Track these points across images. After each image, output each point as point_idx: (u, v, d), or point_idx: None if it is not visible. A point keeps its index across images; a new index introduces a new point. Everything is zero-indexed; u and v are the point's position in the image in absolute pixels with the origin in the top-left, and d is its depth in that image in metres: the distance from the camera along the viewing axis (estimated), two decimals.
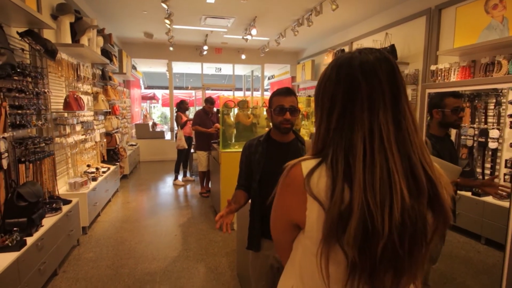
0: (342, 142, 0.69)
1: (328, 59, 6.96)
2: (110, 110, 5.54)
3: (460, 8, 4.03)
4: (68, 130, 3.71)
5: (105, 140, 5.32)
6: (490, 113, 3.84)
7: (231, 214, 1.57)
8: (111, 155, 5.54)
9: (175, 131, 6.17)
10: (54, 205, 2.90)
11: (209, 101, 5.41)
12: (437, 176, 0.69)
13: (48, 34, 3.47)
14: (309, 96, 8.07)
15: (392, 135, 0.67)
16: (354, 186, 0.64)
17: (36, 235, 2.41)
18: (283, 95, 1.66)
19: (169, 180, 6.49)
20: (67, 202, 3.17)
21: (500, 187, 1.95)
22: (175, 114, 6.29)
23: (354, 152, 0.66)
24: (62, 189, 3.64)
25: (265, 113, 4.20)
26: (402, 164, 0.66)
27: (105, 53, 5.26)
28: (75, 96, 3.82)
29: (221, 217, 1.52)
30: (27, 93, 2.82)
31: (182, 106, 6.03)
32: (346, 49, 6.53)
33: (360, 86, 0.69)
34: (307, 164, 0.72)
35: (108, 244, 3.45)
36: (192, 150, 6.47)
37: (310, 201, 0.69)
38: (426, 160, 0.69)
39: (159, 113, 16.68)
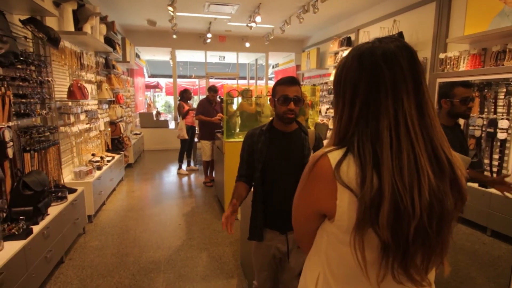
0: (368, 130, 0.70)
1: (333, 47, 6.84)
2: (114, 99, 5.52)
3: None
4: (72, 119, 3.71)
5: (109, 129, 5.33)
6: (500, 102, 3.76)
7: (235, 213, 1.56)
8: (116, 144, 5.56)
9: (178, 121, 6.15)
10: (59, 193, 2.92)
11: (213, 89, 5.36)
12: (453, 158, 0.74)
13: (50, 22, 3.44)
14: (314, 85, 7.98)
15: (416, 120, 0.69)
16: (383, 172, 0.67)
17: (42, 223, 2.43)
18: (288, 85, 1.62)
19: (173, 169, 6.52)
20: (72, 191, 3.19)
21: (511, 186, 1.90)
22: (178, 103, 6.25)
23: (381, 139, 0.69)
24: (67, 178, 3.66)
25: (268, 102, 4.15)
26: (425, 148, 0.69)
27: (108, 41, 5.21)
28: (79, 84, 3.80)
29: (226, 218, 1.53)
30: (31, 81, 2.80)
31: (185, 95, 5.98)
32: (352, 36, 6.41)
33: (384, 74, 0.70)
34: (333, 155, 0.73)
35: (113, 232, 3.49)
36: (196, 139, 6.46)
37: (340, 190, 0.71)
38: (444, 143, 0.72)
39: (163, 102, 16.65)
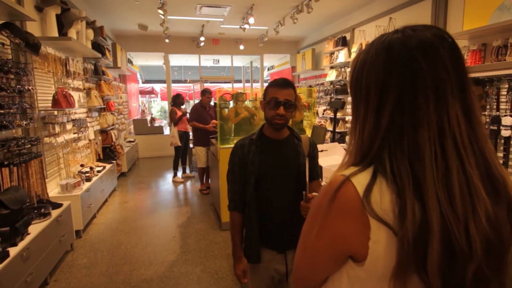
0: (403, 143, 0.54)
1: (329, 47, 6.70)
2: (104, 106, 5.35)
3: None
4: (57, 129, 3.53)
5: (100, 137, 5.14)
6: (503, 99, 3.62)
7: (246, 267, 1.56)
8: (107, 153, 5.37)
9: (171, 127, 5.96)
10: (42, 210, 2.73)
11: (207, 91, 5.20)
12: (506, 175, 0.58)
13: (32, 27, 3.27)
14: (310, 86, 7.83)
15: (465, 130, 0.54)
16: (428, 199, 0.51)
17: (21, 244, 2.24)
18: (279, 87, 1.45)
19: (169, 176, 6.33)
20: (57, 205, 3.00)
21: None
22: (170, 109, 6.08)
23: (421, 155, 0.53)
24: (53, 191, 3.47)
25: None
26: (477, 165, 0.54)
27: (97, 46, 5.04)
28: (64, 92, 3.62)
29: (241, 278, 1.55)
30: (8, 91, 2.62)
31: (177, 100, 5.80)
32: (348, 36, 6.27)
33: (422, 71, 0.54)
34: (359, 179, 0.56)
35: (103, 248, 3.30)
36: (191, 145, 6.29)
37: (375, 226, 0.53)
38: (495, 158, 0.58)
39: (159, 108, 16.47)
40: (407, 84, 0.54)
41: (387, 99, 0.56)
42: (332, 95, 6.61)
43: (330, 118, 6.62)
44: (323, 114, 6.91)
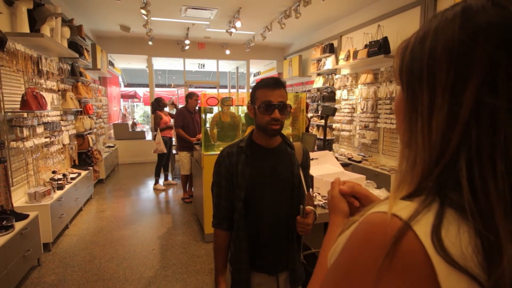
0: (498, 141, 0.36)
1: (316, 54, 6.65)
2: (81, 109, 5.05)
3: None
4: (26, 132, 3.24)
5: (75, 142, 4.83)
6: None
7: None
8: (84, 158, 5.06)
9: (155, 133, 5.67)
10: (4, 222, 2.45)
11: (194, 94, 5.00)
12: None
13: (1, 22, 3.01)
14: (297, 92, 7.76)
15: None
16: None
17: None
18: (271, 88, 1.28)
19: (150, 184, 6.05)
20: (22, 217, 2.72)
21: None
22: (152, 114, 5.80)
23: None
24: (20, 201, 3.17)
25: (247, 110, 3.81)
26: None
27: (75, 46, 4.76)
28: (35, 93, 3.34)
29: None
30: None
31: (160, 104, 5.55)
32: (335, 43, 6.24)
33: None
34: (423, 226, 0.37)
35: (74, 263, 3.02)
36: (174, 151, 6.04)
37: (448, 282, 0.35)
38: None
39: (142, 112, 16.06)
40: (501, 50, 0.36)
41: (469, 74, 0.38)
42: (319, 102, 6.55)
43: (317, 125, 6.54)
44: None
